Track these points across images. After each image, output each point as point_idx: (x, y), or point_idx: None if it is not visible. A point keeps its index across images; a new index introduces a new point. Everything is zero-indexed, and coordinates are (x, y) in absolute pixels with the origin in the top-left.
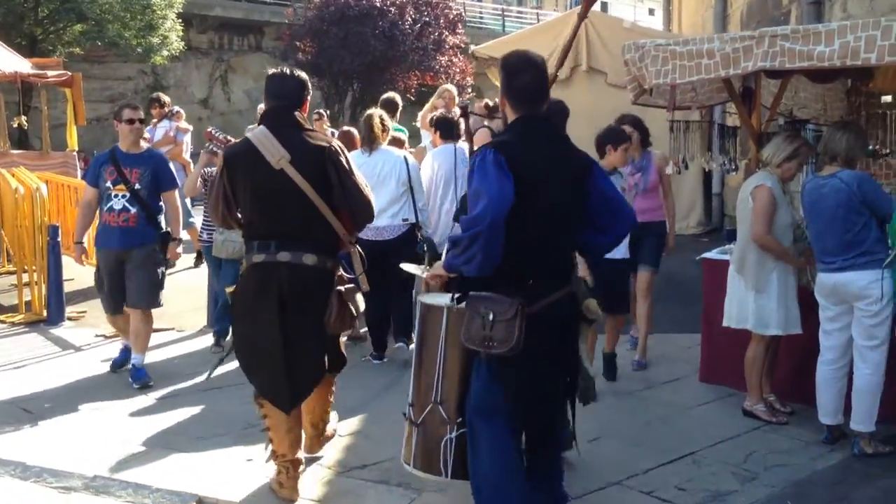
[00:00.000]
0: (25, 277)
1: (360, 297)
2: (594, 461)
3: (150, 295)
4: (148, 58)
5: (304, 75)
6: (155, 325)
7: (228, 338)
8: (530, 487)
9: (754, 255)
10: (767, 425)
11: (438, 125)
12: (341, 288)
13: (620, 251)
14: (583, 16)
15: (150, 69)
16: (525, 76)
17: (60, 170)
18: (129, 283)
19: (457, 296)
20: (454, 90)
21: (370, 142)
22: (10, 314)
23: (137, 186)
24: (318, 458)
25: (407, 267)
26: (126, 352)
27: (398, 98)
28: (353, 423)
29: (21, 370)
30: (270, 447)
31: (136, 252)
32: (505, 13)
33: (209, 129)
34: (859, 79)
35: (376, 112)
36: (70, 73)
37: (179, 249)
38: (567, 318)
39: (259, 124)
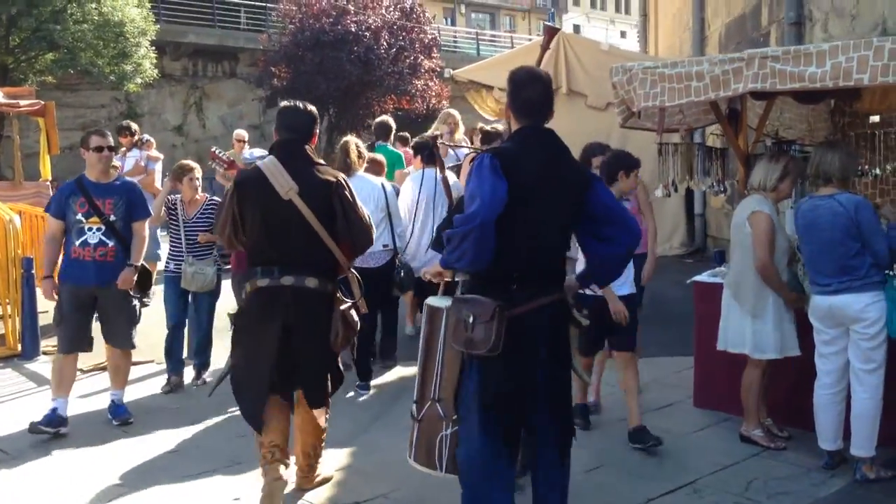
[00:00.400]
0: None
1: (356, 319)
2: (594, 492)
3: (130, 334)
4: (121, 85)
5: (314, 109)
6: (134, 358)
7: (212, 365)
8: (542, 486)
9: (752, 280)
10: (766, 451)
11: (419, 149)
12: (344, 308)
13: (627, 286)
14: (545, 47)
15: (124, 97)
16: (531, 90)
17: (33, 200)
18: (108, 322)
19: (454, 296)
20: (457, 115)
21: (346, 168)
22: None
23: (112, 218)
24: (306, 494)
25: (433, 300)
26: (55, 410)
27: (391, 121)
28: (343, 457)
29: None
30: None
31: (113, 288)
32: (479, 37)
33: (213, 150)
34: (843, 99)
35: (352, 139)
36: (43, 102)
37: (133, 276)
38: (554, 323)
39: (269, 154)
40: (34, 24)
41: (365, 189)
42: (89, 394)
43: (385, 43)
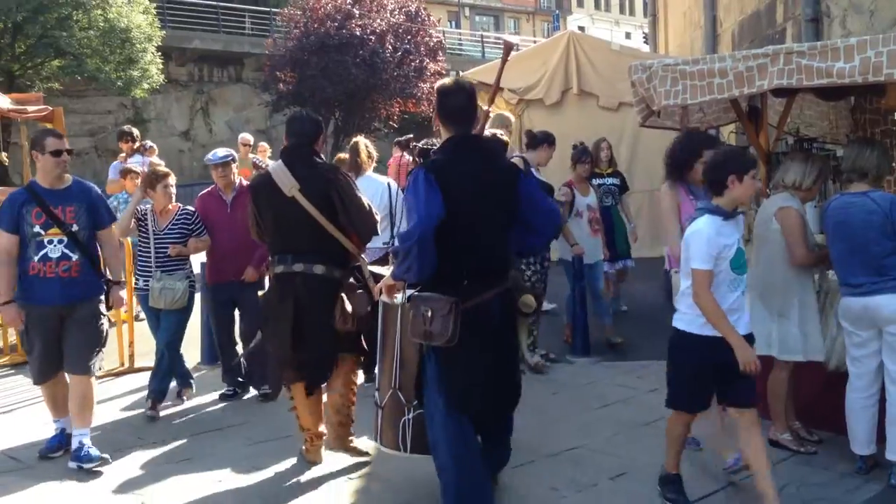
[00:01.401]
0: None
1: (362, 301)
2: (622, 500)
3: (92, 358)
4: (128, 91)
5: (318, 117)
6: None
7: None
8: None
9: (780, 278)
10: (796, 456)
11: (422, 155)
12: (342, 294)
13: (743, 325)
14: (503, 62)
15: (131, 102)
16: (455, 98)
17: None
18: (69, 345)
19: (407, 295)
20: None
21: (356, 168)
22: None
23: (75, 228)
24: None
25: (385, 298)
26: (63, 431)
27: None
28: (365, 463)
29: (7, 415)
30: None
31: (81, 307)
32: (484, 39)
33: (253, 160)
34: (864, 96)
35: (362, 140)
36: (51, 108)
37: (123, 294)
38: (502, 312)
39: (280, 158)
40: (40, 31)
41: (371, 188)
42: (101, 401)
43: (390, 46)
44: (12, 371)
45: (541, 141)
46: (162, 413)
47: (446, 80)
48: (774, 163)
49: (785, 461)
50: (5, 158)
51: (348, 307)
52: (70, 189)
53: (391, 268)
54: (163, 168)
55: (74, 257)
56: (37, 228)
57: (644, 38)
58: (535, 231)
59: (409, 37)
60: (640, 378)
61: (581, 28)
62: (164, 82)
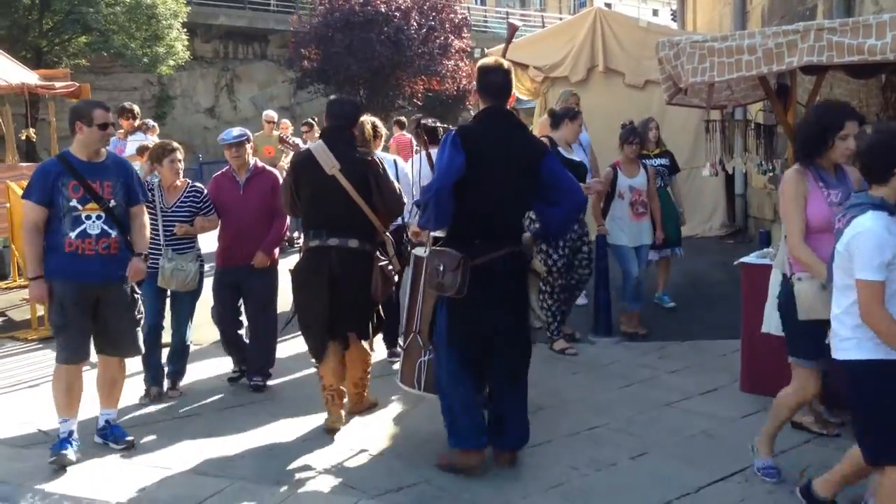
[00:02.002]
0: None
1: (390, 274)
2: (641, 479)
3: (136, 338)
4: (154, 68)
5: (356, 101)
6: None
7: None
8: (496, 416)
9: None
10: (819, 438)
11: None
12: (382, 263)
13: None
14: (508, 41)
15: (157, 79)
16: (494, 75)
17: None
18: (111, 328)
19: (430, 249)
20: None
21: (364, 145)
22: (23, 331)
23: (112, 203)
24: (351, 480)
25: (418, 251)
26: (71, 435)
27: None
28: (385, 440)
29: (35, 389)
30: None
31: (119, 287)
32: (509, 16)
33: (281, 136)
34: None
35: (368, 119)
36: (78, 84)
37: (143, 266)
38: (512, 270)
39: (320, 138)
40: (67, 7)
41: None
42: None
43: (415, 23)
44: (40, 345)
45: (560, 117)
46: (188, 385)
47: (488, 60)
48: None
49: (808, 443)
50: (33, 134)
51: (389, 277)
52: (106, 163)
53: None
54: (171, 142)
55: (113, 234)
56: (74, 203)
57: (672, 14)
58: (557, 205)
59: (433, 13)
60: (661, 359)
61: (608, 5)
62: (189, 59)
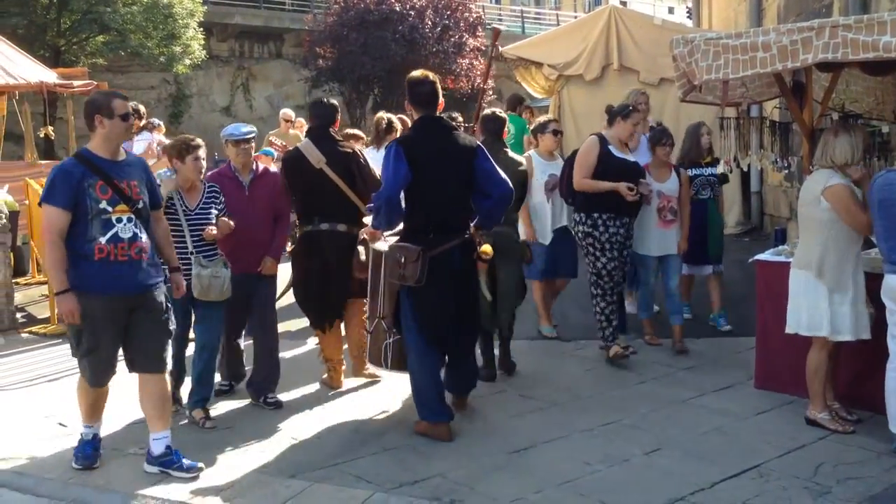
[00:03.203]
0: None
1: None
2: (655, 474)
3: (167, 351)
4: (170, 67)
5: (335, 102)
6: None
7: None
8: (452, 371)
9: (834, 256)
10: (834, 435)
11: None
12: (358, 247)
13: None
14: (492, 46)
15: (173, 78)
16: (422, 87)
17: None
18: (149, 339)
19: (389, 245)
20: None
21: (377, 140)
22: (41, 325)
23: (141, 204)
24: (364, 473)
25: (378, 246)
26: (95, 441)
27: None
28: (400, 436)
29: (54, 383)
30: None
31: (152, 295)
32: (524, 15)
33: (270, 138)
34: None
35: (384, 115)
36: (96, 83)
37: (182, 282)
38: (461, 258)
39: (306, 136)
40: (85, 7)
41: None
42: None
43: (430, 22)
44: (59, 341)
45: (614, 114)
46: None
47: (415, 73)
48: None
49: (822, 440)
50: (51, 132)
51: (363, 257)
52: (129, 161)
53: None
54: (194, 137)
55: (144, 238)
56: (103, 204)
57: (687, 12)
58: (489, 196)
59: (448, 12)
60: (676, 355)
61: (623, 2)
62: (205, 58)
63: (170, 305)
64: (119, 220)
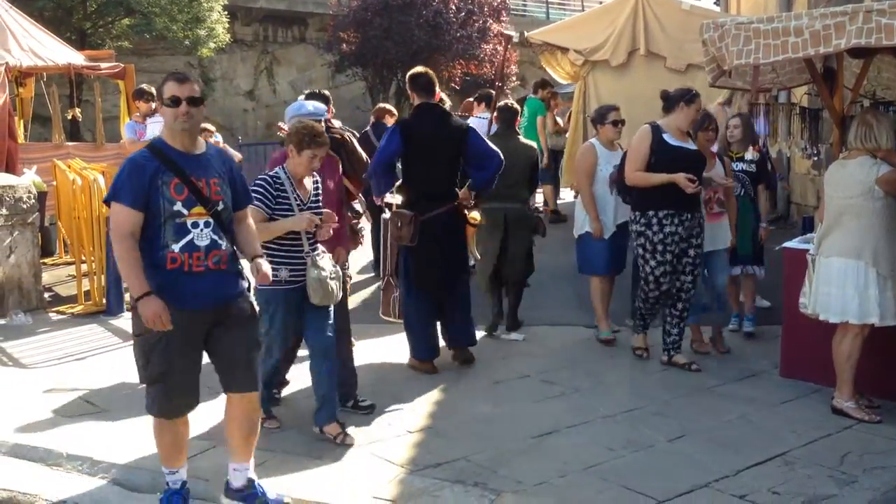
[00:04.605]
0: (83, 268)
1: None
2: (678, 461)
3: (258, 367)
4: (195, 50)
5: (327, 93)
6: None
7: None
8: (449, 325)
9: (886, 243)
10: (860, 424)
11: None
12: (353, 222)
13: None
14: (504, 49)
15: (197, 62)
16: (423, 78)
17: (114, 161)
18: (235, 354)
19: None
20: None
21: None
22: (69, 305)
23: (221, 206)
24: (387, 454)
25: (386, 214)
26: (183, 491)
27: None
28: (422, 418)
29: (82, 362)
30: None
31: (236, 306)
32: (549, 0)
33: (280, 124)
34: None
35: (385, 106)
36: (123, 65)
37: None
38: (450, 222)
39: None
40: None
41: None
42: None
43: (454, 6)
44: (86, 320)
45: (674, 100)
46: None
47: (417, 68)
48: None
49: (848, 429)
50: (79, 114)
51: (355, 231)
52: (208, 156)
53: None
54: (320, 128)
55: (223, 245)
56: (178, 206)
57: None
58: (484, 169)
59: None
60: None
61: None
62: (229, 42)
63: (258, 314)
64: (195, 226)
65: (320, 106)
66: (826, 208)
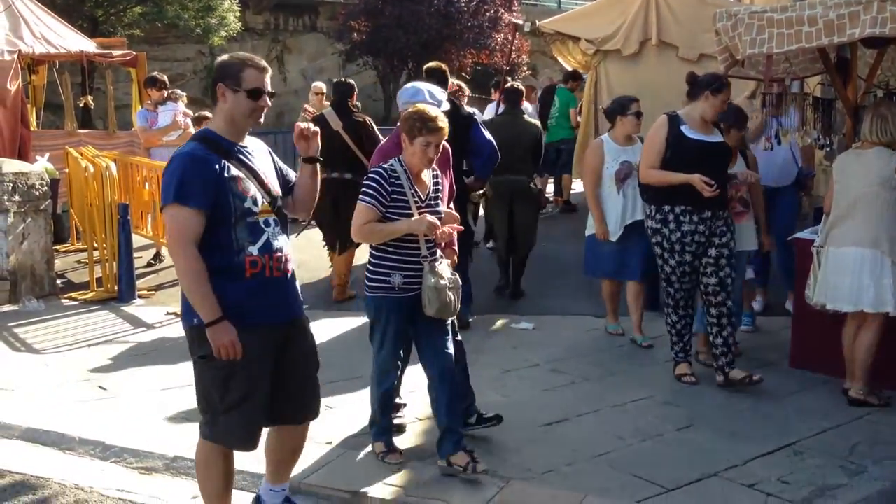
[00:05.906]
0: (95, 255)
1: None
2: (687, 450)
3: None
4: (206, 39)
5: (352, 81)
6: None
7: None
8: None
9: None
10: (870, 415)
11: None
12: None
13: None
14: (511, 40)
15: (209, 50)
16: (436, 72)
17: (126, 149)
18: (298, 379)
19: None
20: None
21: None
22: (81, 292)
23: (280, 203)
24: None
25: None
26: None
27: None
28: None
29: (94, 348)
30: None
31: (303, 324)
32: None
33: (307, 107)
34: None
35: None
36: (135, 53)
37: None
38: (456, 210)
39: (330, 106)
40: None
41: None
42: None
43: None
44: (98, 307)
45: (700, 87)
46: None
47: (432, 63)
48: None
49: (858, 420)
50: (91, 101)
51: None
52: (255, 146)
53: None
54: (434, 112)
55: (287, 248)
56: (248, 203)
57: None
58: (480, 156)
59: None
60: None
61: None
62: (240, 30)
63: (369, 328)
64: (267, 224)
65: (437, 90)
66: (836, 198)
